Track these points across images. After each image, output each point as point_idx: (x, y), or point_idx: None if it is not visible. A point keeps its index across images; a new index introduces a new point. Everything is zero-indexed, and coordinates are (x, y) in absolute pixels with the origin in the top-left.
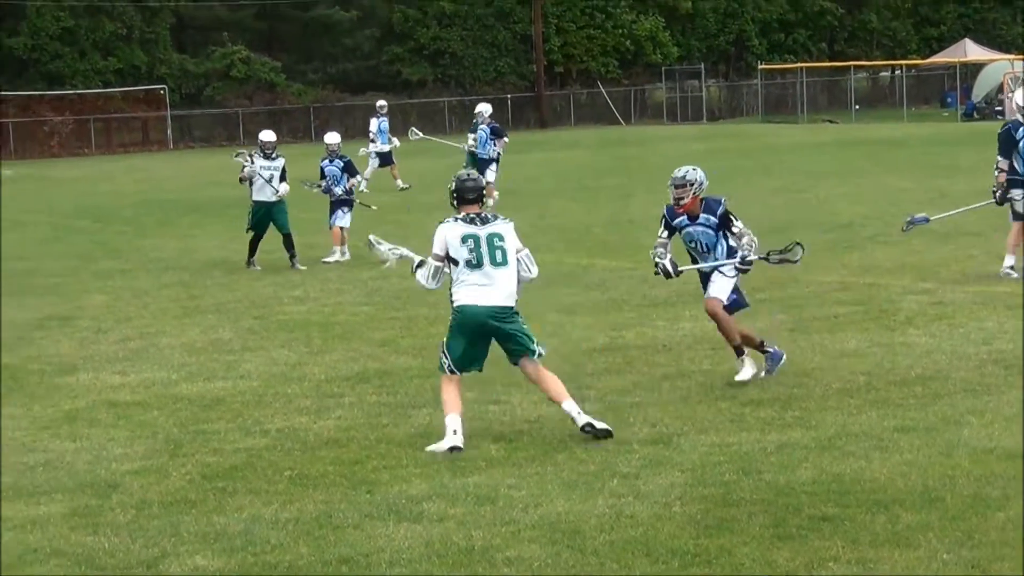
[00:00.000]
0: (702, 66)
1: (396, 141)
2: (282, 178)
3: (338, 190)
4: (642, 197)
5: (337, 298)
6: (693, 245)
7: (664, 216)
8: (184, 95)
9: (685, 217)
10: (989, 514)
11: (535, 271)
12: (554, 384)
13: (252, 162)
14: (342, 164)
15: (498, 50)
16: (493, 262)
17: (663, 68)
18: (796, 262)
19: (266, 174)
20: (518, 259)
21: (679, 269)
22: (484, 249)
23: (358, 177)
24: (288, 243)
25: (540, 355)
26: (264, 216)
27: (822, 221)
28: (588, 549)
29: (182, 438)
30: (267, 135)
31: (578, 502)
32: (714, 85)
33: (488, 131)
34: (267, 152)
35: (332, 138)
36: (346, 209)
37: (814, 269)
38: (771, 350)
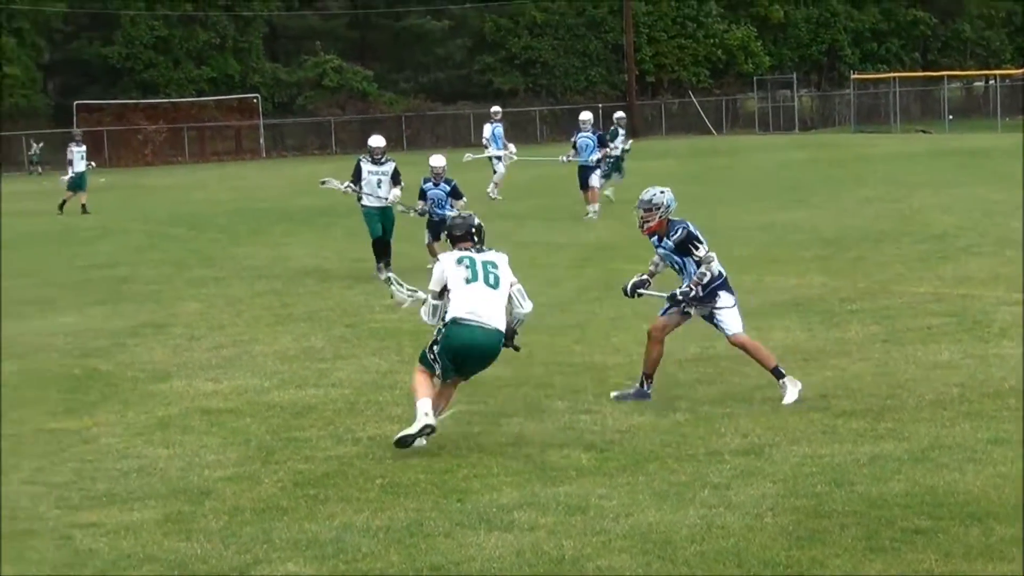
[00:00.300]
0: (794, 76)
1: (512, 147)
2: (395, 181)
3: (449, 214)
4: (730, 207)
5: None
6: (668, 264)
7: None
8: (276, 104)
9: (656, 238)
10: None
11: (528, 306)
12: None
13: (345, 186)
14: (448, 188)
15: (589, 59)
16: (487, 283)
17: (755, 78)
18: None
19: (374, 179)
20: (511, 293)
21: (638, 292)
22: (479, 268)
23: (463, 200)
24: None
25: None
26: (378, 219)
27: (915, 231)
28: (679, 559)
29: (274, 445)
30: (375, 140)
31: (669, 512)
32: (806, 95)
33: (595, 139)
34: (376, 157)
35: (438, 161)
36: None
37: (907, 280)
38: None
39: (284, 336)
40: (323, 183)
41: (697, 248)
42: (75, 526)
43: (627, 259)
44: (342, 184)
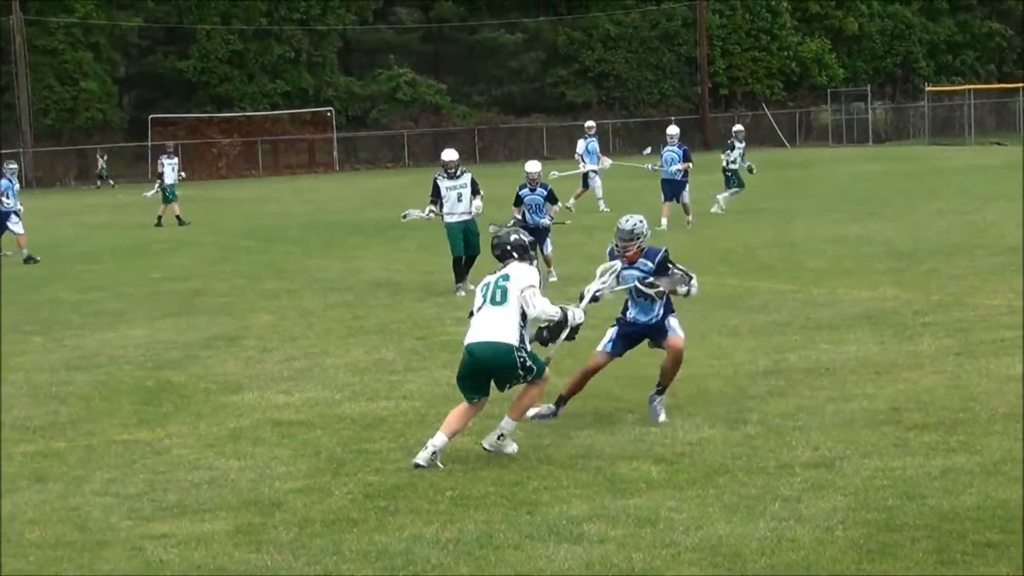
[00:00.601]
0: (868, 88)
1: (607, 161)
2: (474, 192)
3: (545, 220)
4: (806, 219)
5: None
6: (623, 291)
7: (608, 255)
8: (350, 117)
9: (627, 264)
10: None
11: (537, 307)
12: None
13: (428, 212)
14: (545, 192)
15: (663, 72)
16: (492, 302)
17: (829, 90)
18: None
19: (454, 194)
20: (521, 297)
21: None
22: (489, 291)
23: (559, 205)
24: (469, 264)
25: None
26: (459, 235)
27: (989, 244)
28: (748, 572)
29: (345, 457)
30: (449, 154)
31: (739, 525)
32: (880, 107)
33: (680, 153)
34: (450, 171)
35: (533, 167)
36: (545, 236)
37: (981, 292)
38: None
39: (355, 348)
40: (404, 217)
41: (675, 263)
42: (146, 537)
43: (698, 271)
44: (424, 212)
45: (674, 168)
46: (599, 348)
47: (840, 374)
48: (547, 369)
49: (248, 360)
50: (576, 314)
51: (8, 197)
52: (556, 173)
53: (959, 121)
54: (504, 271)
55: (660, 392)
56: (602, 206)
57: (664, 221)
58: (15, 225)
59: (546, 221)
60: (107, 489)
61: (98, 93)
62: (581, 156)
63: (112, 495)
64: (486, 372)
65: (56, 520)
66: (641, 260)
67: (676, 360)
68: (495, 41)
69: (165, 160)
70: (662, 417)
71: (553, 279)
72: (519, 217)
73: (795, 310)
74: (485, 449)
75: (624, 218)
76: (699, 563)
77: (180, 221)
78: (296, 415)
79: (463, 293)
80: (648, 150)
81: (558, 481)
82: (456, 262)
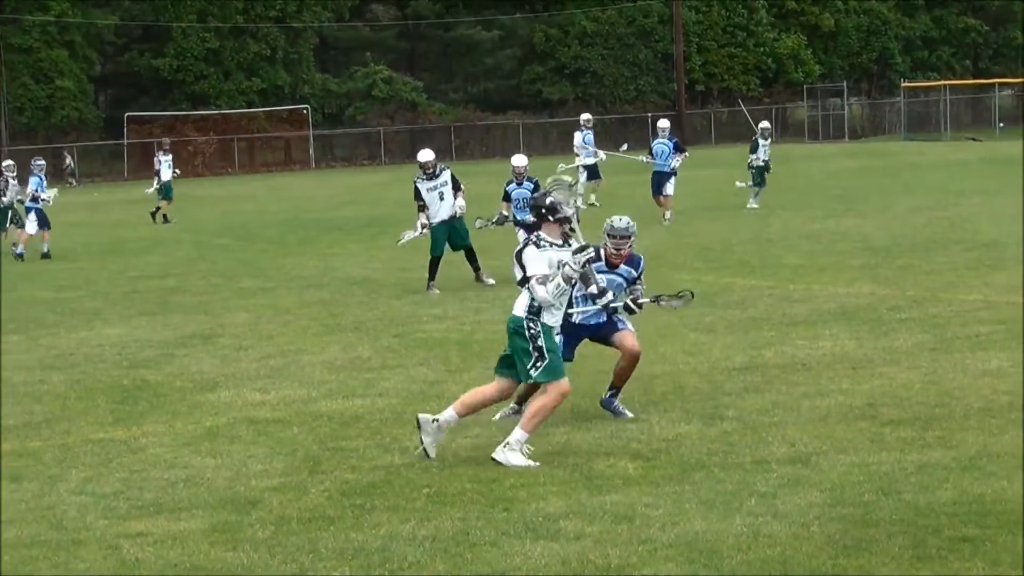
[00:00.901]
0: (844, 84)
1: (602, 155)
2: (456, 188)
3: (531, 218)
4: (782, 216)
5: (476, 316)
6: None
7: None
8: (326, 115)
9: (603, 263)
10: None
11: (539, 297)
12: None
13: (420, 226)
14: (532, 186)
15: (639, 69)
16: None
17: (805, 86)
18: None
19: (435, 195)
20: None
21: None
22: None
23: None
24: (471, 256)
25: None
26: (443, 236)
27: (964, 240)
28: (725, 568)
29: (321, 455)
30: (425, 155)
31: (715, 521)
32: (856, 103)
33: (671, 146)
34: (428, 172)
35: (519, 160)
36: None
37: (956, 288)
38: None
39: (332, 346)
40: (400, 242)
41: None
42: (122, 536)
43: (675, 268)
44: (417, 231)
45: (674, 163)
46: None
47: (816, 370)
48: (565, 379)
49: (224, 358)
50: (569, 266)
51: (41, 191)
52: (563, 166)
53: (935, 117)
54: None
55: (615, 394)
56: (594, 199)
57: (667, 214)
58: (30, 224)
59: (531, 218)
60: (83, 488)
61: (74, 91)
62: (579, 148)
63: (88, 494)
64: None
65: (31, 519)
66: (624, 267)
67: (634, 362)
68: (471, 38)
69: (161, 156)
70: (629, 413)
71: None
72: (506, 213)
73: (771, 306)
74: (493, 459)
75: (616, 218)
76: (675, 559)
77: (164, 218)
78: (272, 413)
79: (437, 291)
80: (624, 147)
81: (534, 478)
82: (433, 262)
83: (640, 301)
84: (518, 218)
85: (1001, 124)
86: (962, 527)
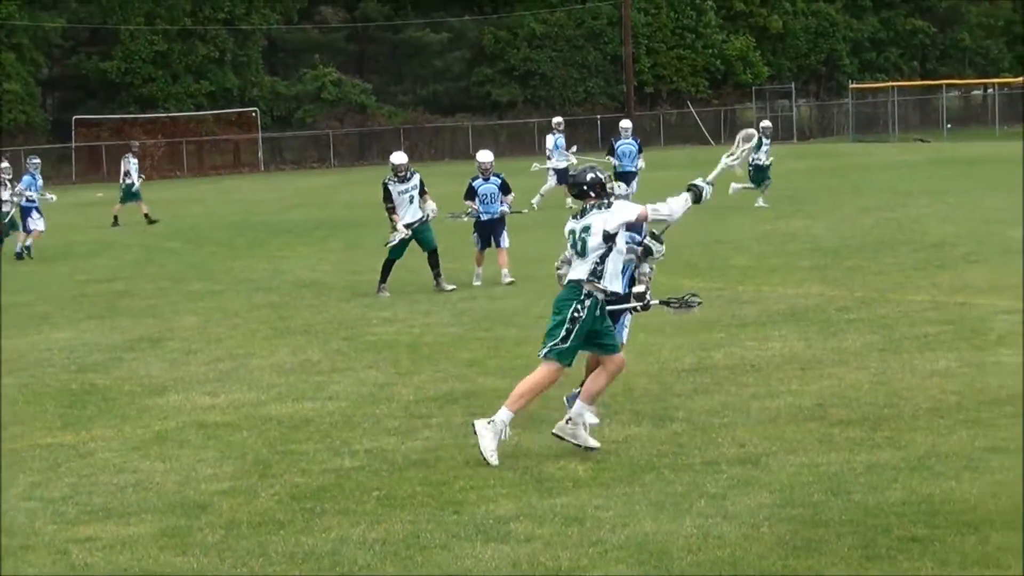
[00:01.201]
0: (792, 85)
1: (573, 158)
2: (423, 193)
3: (503, 208)
4: (732, 217)
5: (425, 319)
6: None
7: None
8: (275, 117)
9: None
10: None
11: (664, 213)
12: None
13: (403, 229)
14: (499, 182)
15: (588, 71)
16: (577, 253)
17: (753, 88)
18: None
19: (406, 198)
20: (657, 212)
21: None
22: (575, 243)
23: (512, 195)
24: (434, 261)
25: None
26: (407, 241)
27: (913, 240)
28: (675, 569)
29: (271, 459)
30: (399, 157)
31: (665, 523)
32: (804, 104)
33: (637, 145)
34: (400, 175)
35: (485, 156)
36: (501, 229)
37: (905, 289)
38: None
39: (281, 349)
40: (389, 244)
41: None
42: (71, 541)
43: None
44: (401, 230)
45: (640, 164)
46: None
47: (765, 371)
48: (622, 353)
49: (173, 362)
50: (707, 190)
51: (31, 190)
52: (537, 166)
53: (883, 118)
54: (584, 221)
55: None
56: (537, 201)
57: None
58: (35, 221)
59: (504, 208)
60: (31, 493)
61: (21, 94)
62: (551, 151)
63: (36, 499)
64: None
65: None
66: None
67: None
68: (420, 40)
69: (131, 158)
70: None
71: (507, 280)
72: (475, 207)
73: (721, 308)
74: (554, 435)
75: (614, 184)
76: (626, 561)
77: (115, 221)
78: (222, 417)
79: (387, 294)
80: (574, 148)
81: (485, 480)
82: (388, 264)
83: (650, 304)
84: (483, 214)
85: (948, 125)
86: (911, 527)
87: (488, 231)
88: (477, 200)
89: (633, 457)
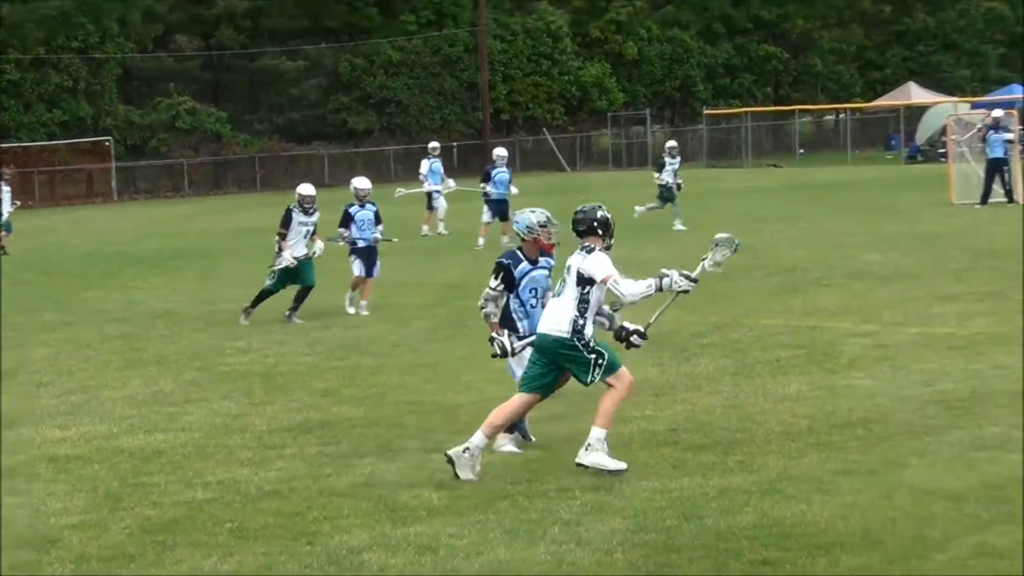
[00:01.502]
0: (647, 112)
1: (451, 183)
2: (315, 232)
3: (376, 235)
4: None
5: (279, 348)
6: (532, 293)
7: (507, 264)
8: (129, 146)
9: (527, 263)
10: (929, 556)
11: (627, 293)
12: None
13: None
14: (375, 209)
15: (444, 98)
16: (556, 294)
17: (609, 114)
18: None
19: (304, 230)
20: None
21: (515, 345)
22: (561, 280)
23: (382, 227)
24: (303, 295)
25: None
26: (292, 273)
27: (766, 265)
28: None
29: (122, 492)
30: (306, 189)
31: (519, 550)
32: (659, 130)
33: (509, 173)
34: (306, 207)
35: (363, 183)
36: (375, 258)
37: (758, 313)
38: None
39: (133, 380)
40: (273, 269)
41: None
42: None
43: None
44: (285, 258)
45: (514, 191)
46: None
47: None
48: (623, 367)
49: (23, 395)
50: (676, 281)
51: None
52: (401, 191)
53: (736, 143)
54: (570, 261)
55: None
56: (441, 228)
57: (481, 240)
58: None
59: (377, 235)
60: None
61: None
62: (425, 176)
63: None
64: (551, 361)
65: None
66: (544, 258)
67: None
68: (276, 68)
69: (3, 186)
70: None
71: (364, 312)
72: (348, 232)
73: None
74: (579, 465)
75: (530, 209)
76: None
77: (3, 251)
78: (72, 450)
79: (246, 322)
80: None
81: (338, 511)
82: (265, 293)
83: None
84: (359, 240)
85: (801, 150)
86: (763, 550)
87: (367, 256)
88: (354, 226)
89: (487, 485)
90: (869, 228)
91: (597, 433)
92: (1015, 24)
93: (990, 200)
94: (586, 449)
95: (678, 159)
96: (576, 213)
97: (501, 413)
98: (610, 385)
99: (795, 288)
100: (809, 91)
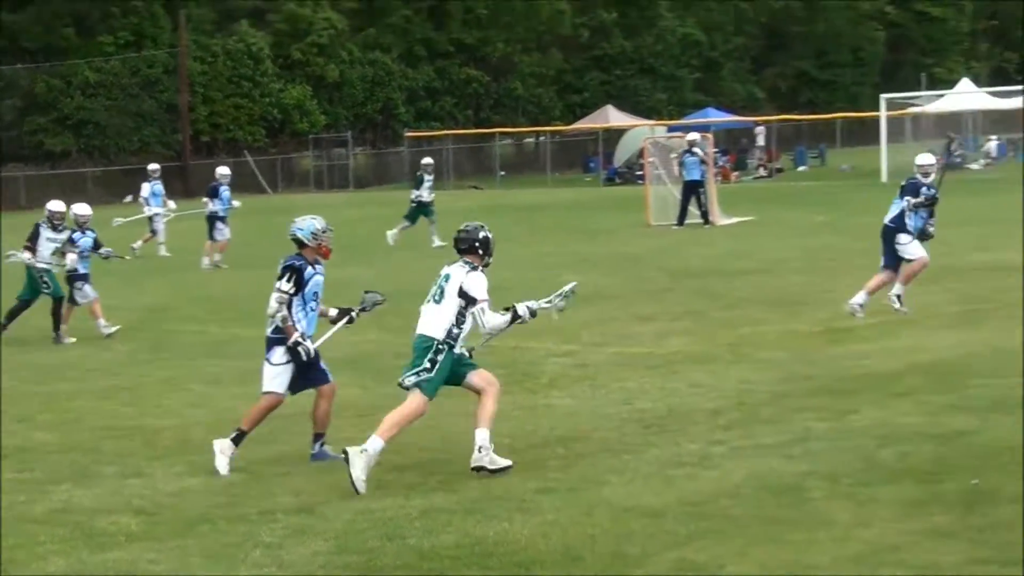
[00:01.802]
0: (349, 134)
1: (172, 204)
2: (63, 252)
3: (107, 251)
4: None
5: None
6: (314, 296)
7: (299, 266)
8: None
9: (311, 267)
10: (629, 572)
11: (487, 325)
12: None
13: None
14: (94, 235)
15: (143, 119)
16: (433, 299)
17: (310, 136)
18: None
19: (53, 246)
20: (473, 312)
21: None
22: (436, 286)
23: (104, 250)
24: (57, 311)
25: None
26: (40, 283)
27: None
28: None
29: None
30: (56, 205)
31: (219, 574)
32: (361, 152)
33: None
34: (56, 223)
35: (84, 209)
36: (89, 284)
37: None
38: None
39: None
40: (10, 259)
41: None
42: None
43: (181, 320)
44: (21, 256)
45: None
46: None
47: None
48: (425, 399)
49: None
50: (522, 314)
51: None
52: (119, 220)
53: (438, 165)
54: (448, 270)
55: (322, 441)
56: (162, 251)
57: (206, 260)
58: None
59: (108, 251)
60: None
61: None
62: (146, 199)
63: None
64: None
65: None
66: (320, 265)
67: (331, 397)
68: None
69: None
70: (339, 454)
71: (107, 331)
72: (75, 256)
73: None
74: (474, 469)
75: (311, 216)
76: None
77: None
78: None
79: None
80: (128, 198)
81: (34, 538)
82: (23, 305)
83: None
84: (80, 270)
85: (502, 172)
86: (464, 569)
87: (80, 280)
88: (77, 249)
89: (188, 509)
90: (569, 249)
91: (375, 444)
92: (710, 49)
93: (686, 221)
94: (479, 450)
95: (432, 176)
96: (459, 232)
97: (398, 414)
98: (407, 399)
99: (495, 309)
100: (510, 114)
